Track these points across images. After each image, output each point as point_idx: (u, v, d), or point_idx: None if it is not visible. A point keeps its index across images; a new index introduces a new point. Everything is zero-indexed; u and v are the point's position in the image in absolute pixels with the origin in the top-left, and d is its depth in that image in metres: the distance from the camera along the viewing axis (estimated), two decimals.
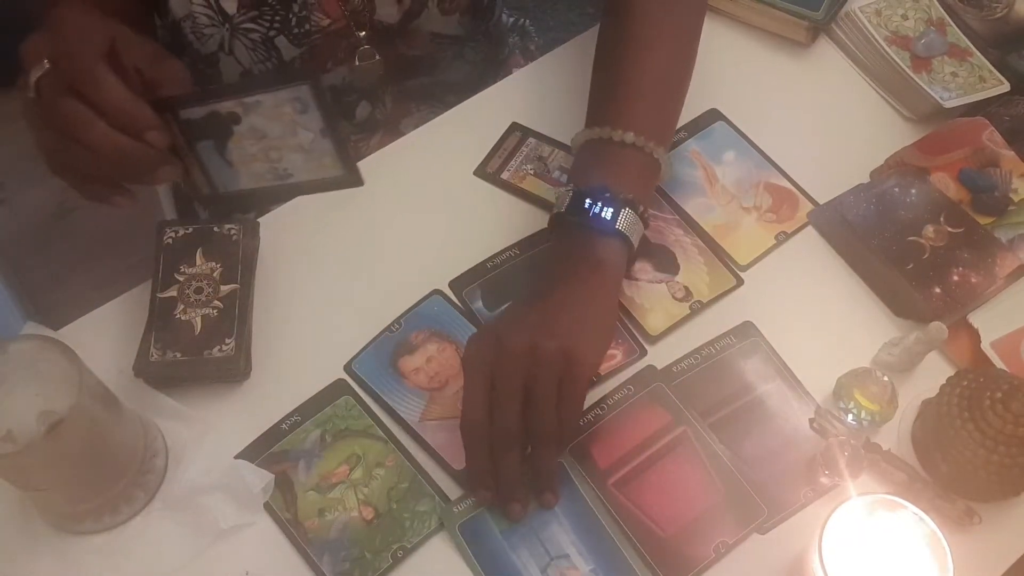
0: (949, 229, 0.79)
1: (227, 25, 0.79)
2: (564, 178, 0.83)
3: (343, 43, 0.85)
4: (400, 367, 0.73)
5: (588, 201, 0.69)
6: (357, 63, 0.87)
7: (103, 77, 0.58)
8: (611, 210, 0.68)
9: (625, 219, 0.69)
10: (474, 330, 0.75)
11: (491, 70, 1.03)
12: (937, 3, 0.94)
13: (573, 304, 0.66)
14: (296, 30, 0.81)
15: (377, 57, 0.87)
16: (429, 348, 0.74)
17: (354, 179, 0.66)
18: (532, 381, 0.63)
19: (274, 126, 0.63)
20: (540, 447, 0.66)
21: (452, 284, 0.77)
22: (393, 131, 0.96)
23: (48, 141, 0.62)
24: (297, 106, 0.61)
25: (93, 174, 0.63)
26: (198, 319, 0.70)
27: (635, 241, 0.70)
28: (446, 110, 0.89)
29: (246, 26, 0.80)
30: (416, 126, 0.89)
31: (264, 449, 0.69)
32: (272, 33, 0.81)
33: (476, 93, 0.90)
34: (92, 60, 0.58)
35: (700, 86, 0.91)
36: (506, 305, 0.76)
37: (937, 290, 0.76)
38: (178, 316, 0.69)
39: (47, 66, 0.60)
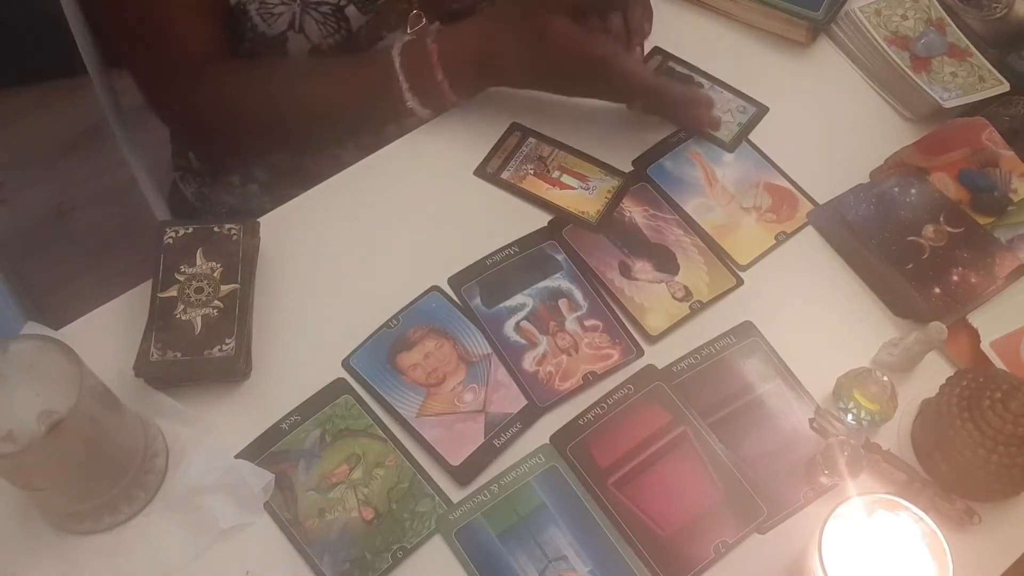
0: (949, 229, 0.79)
1: (299, 1, 0.80)
2: (564, 178, 0.84)
3: (398, 7, 0.87)
4: (398, 363, 0.74)
5: None
6: (409, 30, 0.88)
7: None
8: None
9: None
10: (472, 327, 0.75)
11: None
12: (937, 3, 0.94)
13: None
14: None
15: (425, 21, 0.89)
16: (427, 344, 0.75)
17: (727, 146, 0.88)
18: None
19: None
20: None
21: (451, 280, 0.77)
22: None
23: None
24: (737, 106, 0.90)
25: None
26: (198, 319, 0.70)
27: None
28: None
29: None
30: None
31: (264, 449, 0.69)
32: (343, 3, 0.82)
33: None
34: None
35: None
36: (502, 304, 0.77)
37: (937, 290, 0.76)
38: (178, 316, 0.69)
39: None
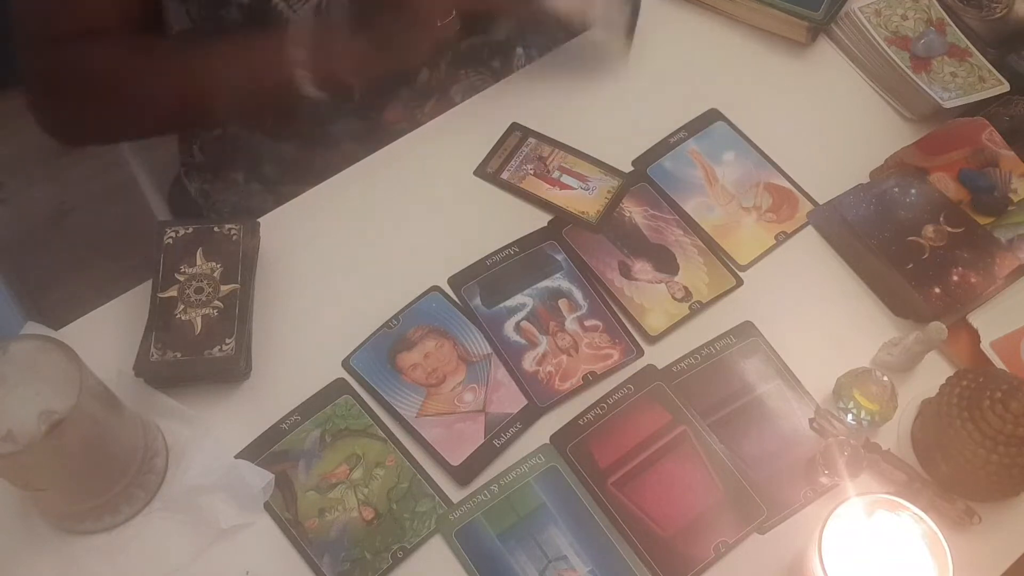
0: (949, 229, 0.79)
1: None
2: (564, 178, 0.84)
3: None
4: (398, 363, 0.74)
5: None
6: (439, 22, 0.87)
7: None
8: None
9: None
10: (472, 327, 0.75)
11: (527, 25, 1.03)
12: (937, 3, 0.94)
13: None
14: None
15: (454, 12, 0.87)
16: (427, 344, 0.75)
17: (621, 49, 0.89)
18: None
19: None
20: None
21: (451, 281, 0.77)
22: (444, 97, 0.96)
23: None
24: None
25: None
26: (198, 319, 0.70)
27: None
28: (490, 75, 0.90)
29: None
30: (464, 92, 0.90)
31: (264, 449, 0.69)
32: None
33: (513, 52, 0.93)
34: None
35: (700, 86, 0.91)
36: (502, 304, 0.77)
37: (937, 290, 0.76)
38: (178, 316, 0.69)
39: None
